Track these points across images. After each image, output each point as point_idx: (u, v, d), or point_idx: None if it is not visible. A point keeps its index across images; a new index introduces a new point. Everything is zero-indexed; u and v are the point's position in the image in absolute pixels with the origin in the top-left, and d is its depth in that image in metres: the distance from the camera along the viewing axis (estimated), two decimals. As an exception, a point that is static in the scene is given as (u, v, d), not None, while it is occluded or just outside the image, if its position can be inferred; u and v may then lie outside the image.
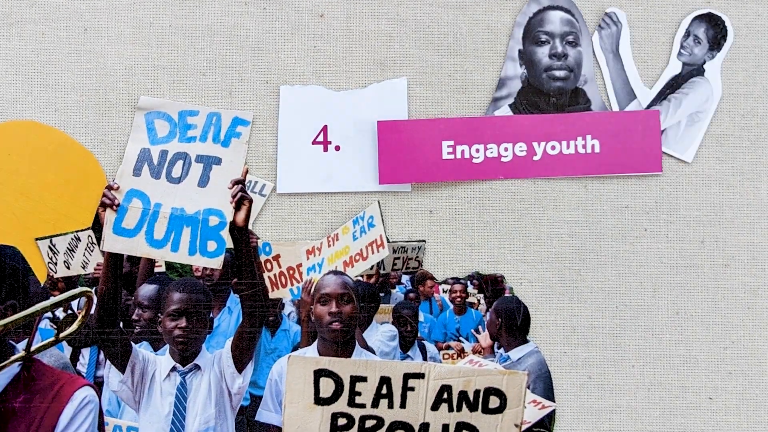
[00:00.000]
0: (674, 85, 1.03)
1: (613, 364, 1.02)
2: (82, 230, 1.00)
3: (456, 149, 1.01)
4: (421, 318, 1.02)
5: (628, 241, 1.02)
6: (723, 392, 1.01)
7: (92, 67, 1.02)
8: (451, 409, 0.97)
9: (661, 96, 1.03)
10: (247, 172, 1.01)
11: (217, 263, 1.00)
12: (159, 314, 0.99)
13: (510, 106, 1.03)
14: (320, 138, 1.02)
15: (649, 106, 1.03)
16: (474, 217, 1.02)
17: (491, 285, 1.02)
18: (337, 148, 1.02)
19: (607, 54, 1.03)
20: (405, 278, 1.03)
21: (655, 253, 1.02)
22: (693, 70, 1.03)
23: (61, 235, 0.99)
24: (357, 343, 1.00)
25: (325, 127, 1.02)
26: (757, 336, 1.02)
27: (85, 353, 0.99)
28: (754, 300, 1.02)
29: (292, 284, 1.02)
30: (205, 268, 1.01)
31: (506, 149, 1.02)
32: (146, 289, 1.00)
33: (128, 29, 1.02)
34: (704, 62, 1.03)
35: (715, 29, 1.03)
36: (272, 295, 1.01)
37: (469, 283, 1.02)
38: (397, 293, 1.03)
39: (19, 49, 1.01)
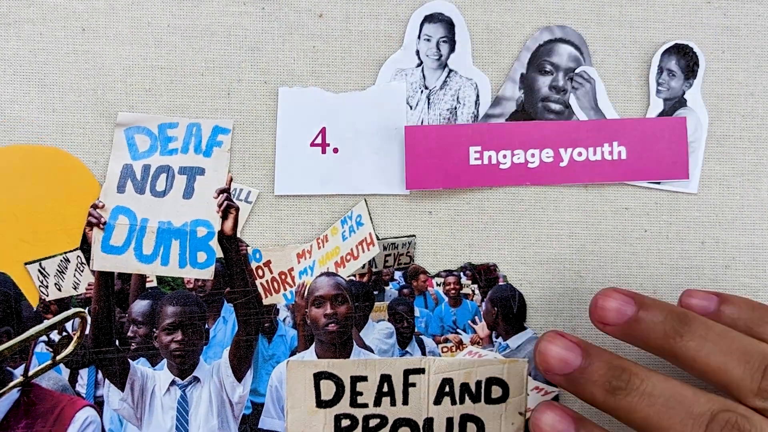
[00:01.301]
0: (661, 123, 1.01)
1: (614, 367, 1.01)
2: (70, 251, 0.98)
3: (483, 155, 0.99)
4: (416, 313, 1.01)
5: (628, 242, 1.00)
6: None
7: (90, 67, 0.99)
8: (453, 402, 0.97)
9: (652, 136, 1.01)
10: (231, 180, 0.99)
11: (208, 274, 0.99)
12: (154, 329, 0.99)
13: (501, 126, 1.01)
14: (318, 140, 1.00)
15: (641, 149, 1.02)
16: (473, 218, 1.01)
17: (484, 275, 1.01)
18: (336, 150, 1.00)
19: (587, 111, 1.00)
20: (398, 274, 1.01)
21: (656, 255, 1.00)
22: (675, 103, 1.01)
23: (49, 257, 0.98)
24: (355, 343, 1.00)
25: (324, 129, 1.00)
26: (758, 336, 1.02)
27: (84, 374, 0.99)
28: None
29: (285, 289, 1.01)
30: (197, 280, 0.99)
31: (533, 155, 0.99)
32: (139, 305, 0.99)
33: (126, 29, 0.99)
34: (683, 93, 1.01)
35: (686, 58, 1.00)
36: (266, 301, 1.00)
37: (462, 274, 1.01)
38: (391, 290, 1.01)
39: (17, 50, 0.99)
